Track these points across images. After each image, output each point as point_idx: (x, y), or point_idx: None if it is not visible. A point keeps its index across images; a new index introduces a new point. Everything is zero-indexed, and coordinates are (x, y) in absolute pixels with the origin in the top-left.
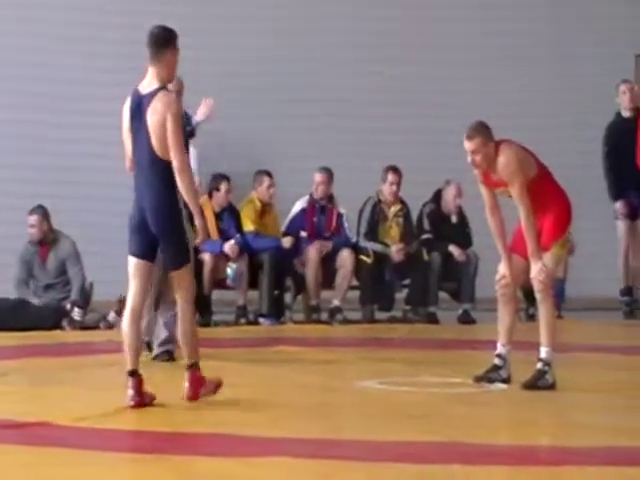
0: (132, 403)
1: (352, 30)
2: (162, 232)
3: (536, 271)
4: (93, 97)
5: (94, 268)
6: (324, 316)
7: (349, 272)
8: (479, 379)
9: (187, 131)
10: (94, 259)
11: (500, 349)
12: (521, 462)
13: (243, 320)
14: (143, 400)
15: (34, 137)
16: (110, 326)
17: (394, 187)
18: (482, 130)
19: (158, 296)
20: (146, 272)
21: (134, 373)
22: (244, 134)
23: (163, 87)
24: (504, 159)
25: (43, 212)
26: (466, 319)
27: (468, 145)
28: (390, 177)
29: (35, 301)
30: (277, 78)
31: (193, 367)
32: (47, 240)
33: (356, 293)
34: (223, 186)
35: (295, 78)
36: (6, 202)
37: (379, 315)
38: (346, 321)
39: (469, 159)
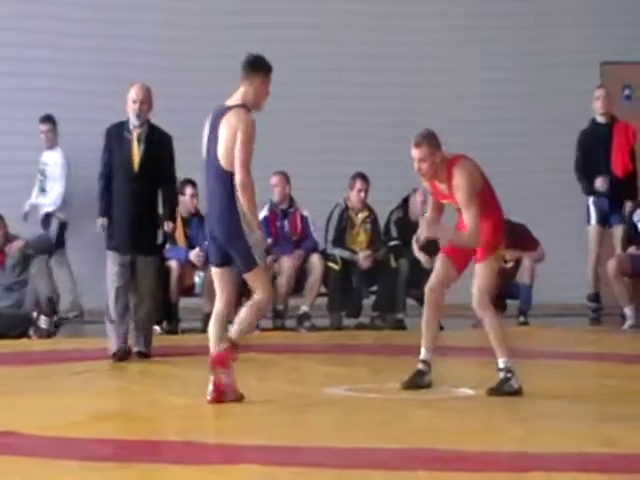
0: (209, 398)
1: (320, 39)
2: (227, 239)
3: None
4: None
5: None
6: (289, 322)
7: (318, 278)
8: (408, 386)
9: None
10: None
11: (424, 354)
12: (488, 468)
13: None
14: (220, 397)
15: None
16: (42, 333)
17: (362, 194)
18: (430, 139)
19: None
20: (228, 278)
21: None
22: None
23: (244, 105)
24: (461, 182)
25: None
26: None
27: (415, 153)
28: (358, 184)
29: None
30: None
31: (230, 343)
32: (3, 245)
33: (324, 300)
34: (188, 190)
35: None
36: None
37: (347, 322)
38: (314, 328)
39: (415, 167)
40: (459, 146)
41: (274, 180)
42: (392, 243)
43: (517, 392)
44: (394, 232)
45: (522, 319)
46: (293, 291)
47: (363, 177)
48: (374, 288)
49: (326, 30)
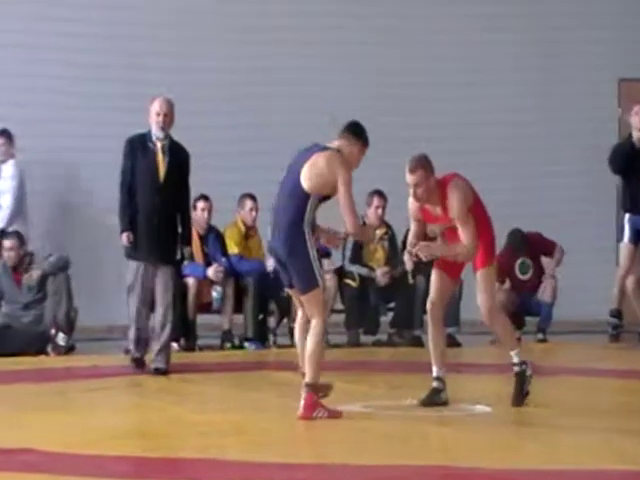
0: (298, 415)
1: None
2: (289, 255)
3: (481, 299)
4: None
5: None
6: None
7: (332, 297)
8: (425, 404)
9: None
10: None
11: (437, 372)
12: None
13: (228, 344)
14: (309, 414)
15: None
16: (59, 350)
17: (379, 211)
18: (425, 163)
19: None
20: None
21: (307, 385)
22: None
23: (339, 151)
24: (455, 200)
25: (19, 237)
26: (451, 342)
27: (410, 178)
28: (375, 201)
29: (16, 324)
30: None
31: (309, 388)
32: (22, 264)
33: (341, 316)
34: (200, 204)
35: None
36: None
37: (364, 339)
38: (330, 345)
39: (411, 192)
40: (470, 163)
41: None
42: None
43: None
44: None
45: (540, 336)
46: None
47: (380, 194)
48: (391, 305)
49: (345, 38)
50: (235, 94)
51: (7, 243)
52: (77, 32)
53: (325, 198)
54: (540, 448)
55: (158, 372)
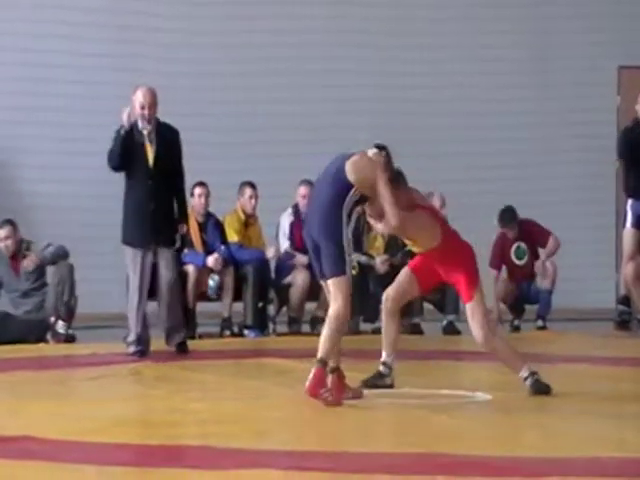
0: (305, 388)
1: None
2: (323, 236)
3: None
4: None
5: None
6: (304, 327)
7: None
8: (366, 384)
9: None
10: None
11: (385, 357)
12: (505, 473)
13: (228, 332)
14: (316, 392)
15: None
16: (59, 338)
17: None
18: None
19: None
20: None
21: (319, 361)
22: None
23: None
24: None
25: (13, 225)
26: (451, 330)
27: None
28: None
29: (17, 311)
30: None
31: (320, 364)
32: (19, 251)
33: None
34: (197, 190)
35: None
36: None
37: (364, 326)
38: None
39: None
40: (466, 152)
41: (303, 191)
42: (408, 248)
43: (548, 387)
44: None
45: (540, 323)
46: (309, 297)
47: None
48: None
49: (345, 35)
50: (236, 83)
51: (2, 232)
52: None
53: (360, 201)
54: (539, 436)
55: (181, 349)
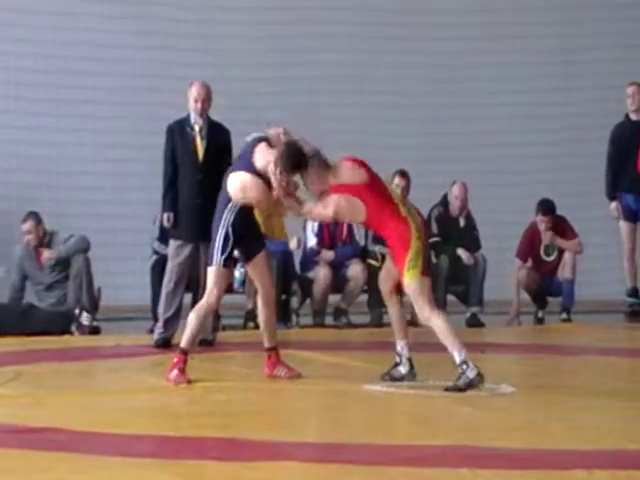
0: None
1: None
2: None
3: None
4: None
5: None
6: (328, 320)
7: (360, 286)
8: (383, 378)
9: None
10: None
11: (397, 345)
12: (529, 465)
13: (251, 324)
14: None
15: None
16: (84, 330)
17: (402, 191)
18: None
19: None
20: None
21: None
22: None
23: None
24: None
25: (36, 217)
26: (474, 322)
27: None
28: (397, 181)
29: (41, 304)
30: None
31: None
32: (42, 244)
33: (364, 296)
34: None
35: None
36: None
37: (387, 318)
38: (352, 325)
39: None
40: (493, 144)
41: None
42: (432, 240)
43: (472, 382)
44: (434, 229)
45: (565, 316)
46: (332, 290)
47: (403, 174)
48: None
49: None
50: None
51: (25, 226)
52: None
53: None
54: (563, 428)
55: (205, 344)
